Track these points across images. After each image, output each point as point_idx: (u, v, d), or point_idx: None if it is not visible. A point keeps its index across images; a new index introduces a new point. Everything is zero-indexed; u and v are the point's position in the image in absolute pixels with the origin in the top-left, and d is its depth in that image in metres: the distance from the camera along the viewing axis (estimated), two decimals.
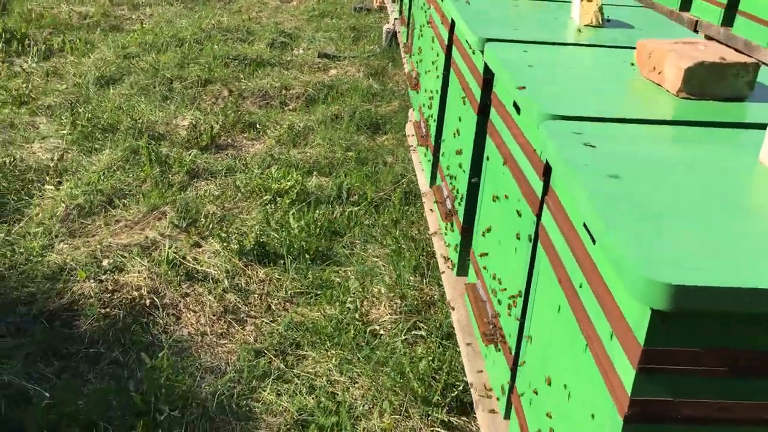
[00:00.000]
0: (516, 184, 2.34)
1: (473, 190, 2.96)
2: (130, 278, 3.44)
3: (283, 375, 3.01)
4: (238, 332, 3.26)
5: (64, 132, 4.85)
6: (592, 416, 1.56)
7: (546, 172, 2.05)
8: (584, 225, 1.63)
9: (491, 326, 2.55)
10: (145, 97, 5.57)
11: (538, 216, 2.10)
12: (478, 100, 2.86)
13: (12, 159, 4.42)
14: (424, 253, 3.75)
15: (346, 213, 4.13)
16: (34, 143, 4.72)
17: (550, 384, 1.90)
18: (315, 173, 4.58)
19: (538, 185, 2.11)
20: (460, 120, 3.20)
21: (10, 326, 3.13)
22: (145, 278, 3.44)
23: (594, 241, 1.58)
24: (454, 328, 3.05)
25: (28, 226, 3.85)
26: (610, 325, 1.48)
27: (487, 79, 2.78)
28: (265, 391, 2.92)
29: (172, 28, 7.28)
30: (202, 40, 6.93)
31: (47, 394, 2.77)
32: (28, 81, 5.70)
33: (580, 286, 1.66)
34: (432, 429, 2.75)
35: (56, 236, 3.77)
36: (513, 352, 2.32)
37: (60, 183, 4.27)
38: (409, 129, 4.86)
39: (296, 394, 2.90)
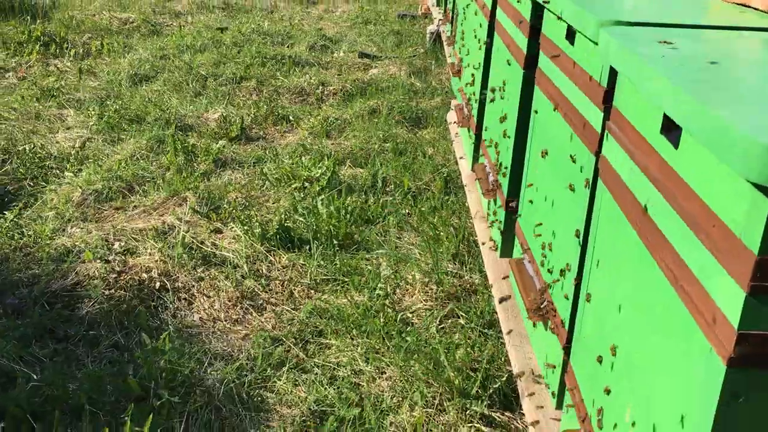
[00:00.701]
0: (569, 127, 1.98)
1: (519, 154, 2.60)
2: (141, 260, 3.14)
3: (302, 364, 2.66)
4: (255, 319, 2.92)
5: (90, 123, 4.64)
6: (678, 376, 1.16)
7: (607, 98, 1.69)
8: (663, 129, 1.27)
9: (540, 302, 2.16)
10: (177, 93, 5.35)
11: (598, 153, 1.72)
12: (525, 51, 2.52)
13: (32, 146, 4.22)
14: (465, 241, 3.37)
15: (381, 201, 3.78)
16: (58, 133, 4.52)
17: (615, 353, 1.51)
18: (348, 163, 4.26)
19: (597, 117, 1.75)
20: (504, 85, 2.85)
21: (8, 307, 2.86)
22: (156, 261, 3.14)
23: (677, 144, 1.21)
24: (496, 314, 2.66)
25: (40, 210, 3.61)
26: (703, 240, 1.09)
27: (534, 27, 2.45)
28: (280, 380, 2.57)
29: (211, 32, 7.12)
30: (241, 43, 6.74)
31: (35, 376, 2.46)
32: (60, 78, 5.55)
33: (656, 212, 1.28)
34: (470, 425, 2.35)
35: (69, 220, 3.52)
36: (567, 326, 1.92)
37: (80, 171, 4.03)
38: (451, 117, 4.52)
39: (315, 384, 2.54)
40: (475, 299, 2.96)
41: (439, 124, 4.94)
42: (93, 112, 4.78)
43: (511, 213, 2.73)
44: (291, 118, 4.99)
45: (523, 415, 2.38)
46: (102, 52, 6.46)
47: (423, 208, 3.66)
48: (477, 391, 2.43)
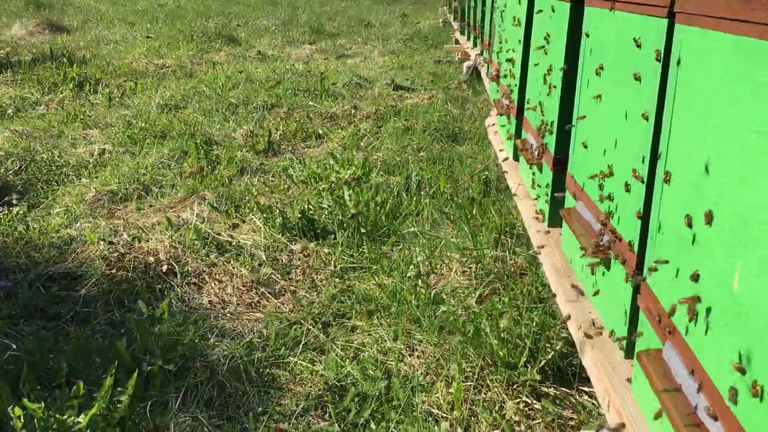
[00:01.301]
0: (630, 15, 1.66)
1: (567, 98, 2.29)
2: (149, 245, 2.85)
3: (322, 345, 2.30)
4: (271, 303, 2.58)
5: (113, 138, 4.47)
6: None
7: None
8: None
9: (599, 239, 1.79)
10: (207, 117, 5.19)
11: (671, 13, 1.41)
12: None
13: (51, 155, 4.04)
14: (507, 229, 3.01)
15: (414, 199, 3.46)
16: (79, 148, 4.34)
17: (710, 220, 1.14)
18: (381, 171, 3.97)
19: None
20: (548, 36, 2.57)
21: (1, 290, 2.57)
22: (166, 245, 2.85)
23: None
24: (545, 288, 2.29)
25: (50, 207, 3.37)
26: None
27: None
28: (295, 358, 2.21)
29: (245, 71, 7.05)
30: (274, 79, 6.62)
31: (14, 346, 2.15)
32: (90, 108, 5.45)
33: None
34: (520, 401, 1.94)
35: (79, 217, 3.27)
36: (636, 248, 1.56)
37: (97, 177, 3.82)
38: (490, 121, 4.23)
39: (335, 362, 2.17)
40: (520, 281, 2.58)
41: (478, 141, 4.65)
42: (118, 130, 4.62)
43: (560, 173, 2.39)
44: (321, 133, 4.76)
45: (583, 391, 1.97)
46: (135, 91, 6.39)
47: (460, 200, 3.32)
48: (525, 364, 2.03)
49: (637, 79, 1.60)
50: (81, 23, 11.24)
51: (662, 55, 1.46)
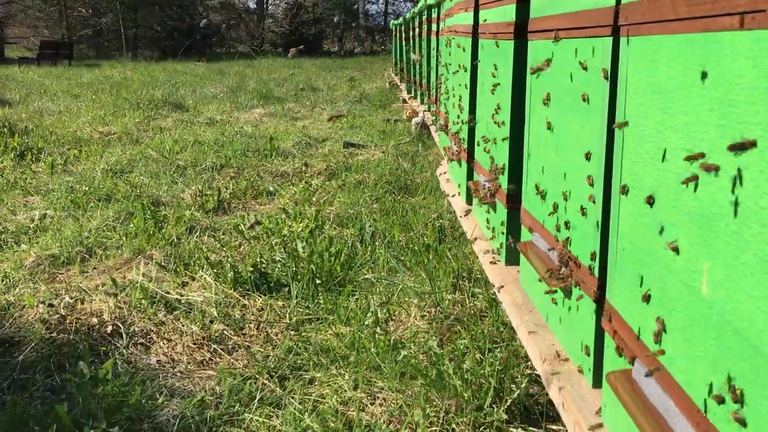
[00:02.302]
0: (574, 41, 1.67)
1: (516, 135, 2.30)
2: (92, 306, 2.71)
3: (279, 400, 2.18)
4: (224, 359, 2.46)
5: (55, 204, 4.32)
6: None
7: None
8: None
9: (559, 263, 1.76)
10: (154, 180, 5.08)
11: (615, 28, 1.41)
12: (515, 18, 2.27)
13: None
14: (465, 274, 2.96)
15: (369, 249, 3.40)
16: (19, 214, 4.19)
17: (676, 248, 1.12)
18: (334, 224, 3.91)
19: None
20: (495, 69, 2.59)
21: None
22: (110, 306, 2.71)
23: None
24: (506, 327, 2.23)
25: None
26: None
27: None
28: (250, 414, 2.08)
29: (192, 135, 6.99)
30: (224, 143, 6.57)
31: None
32: (32, 177, 5.30)
33: None
34: None
35: (18, 282, 3.11)
36: (597, 271, 1.52)
37: (38, 242, 3.66)
38: (441, 170, 4.24)
39: (293, 417, 2.05)
40: (481, 323, 2.52)
41: (430, 191, 4.65)
42: (61, 195, 4.48)
43: (514, 209, 2.38)
44: (271, 190, 4.69)
45: (551, 429, 1.90)
46: (79, 158, 6.25)
47: (416, 248, 3.27)
48: (491, 405, 1.95)
49: (586, 100, 1.59)
50: (23, 96, 11.07)
51: (609, 73, 1.46)
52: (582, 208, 1.64)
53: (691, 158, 1.01)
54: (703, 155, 0.99)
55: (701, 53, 1.01)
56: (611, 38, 1.44)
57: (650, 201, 1.20)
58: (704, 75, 0.99)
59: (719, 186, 0.96)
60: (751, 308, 0.88)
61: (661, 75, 1.16)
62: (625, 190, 1.32)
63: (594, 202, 1.56)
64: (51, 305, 2.67)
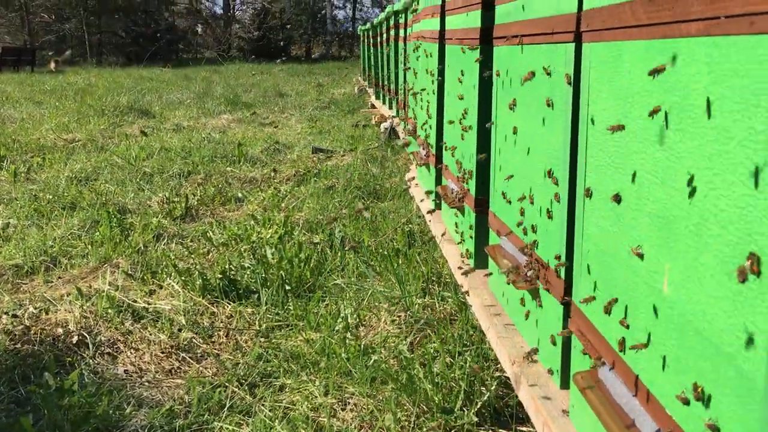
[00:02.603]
0: (538, 47, 1.70)
1: (484, 140, 2.32)
2: (57, 316, 2.67)
3: (248, 407, 2.17)
4: (193, 367, 2.44)
5: (18, 212, 4.25)
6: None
7: None
8: None
9: (525, 267, 1.78)
10: (120, 188, 5.02)
11: (578, 35, 1.44)
12: (480, 24, 2.30)
13: None
14: (434, 278, 2.98)
15: (339, 255, 3.40)
16: None
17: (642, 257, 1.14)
18: (304, 230, 3.90)
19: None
20: (461, 75, 2.61)
21: None
22: (76, 316, 2.67)
23: None
24: (476, 330, 2.25)
25: None
26: None
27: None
28: (220, 422, 2.07)
29: (159, 141, 6.92)
30: (191, 150, 6.52)
31: None
32: None
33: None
34: None
35: None
36: (564, 273, 1.54)
37: (0, 252, 3.59)
38: (410, 175, 4.25)
39: (263, 424, 2.04)
40: (451, 326, 2.53)
41: (400, 196, 4.66)
42: (24, 203, 4.40)
43: (482, 213, 2.40)
44: (240, 196, 4.67)
45: (521, 431, 1.91)
46: (43, 166, 6.15)
47: (385, 252, 3.28)
48: (461, 408, 1.96)
49: (550, 105, 1.61)
50: None
51: (572, 78, 1.48)
52: (548, 211, 1.66)
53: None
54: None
55: (660, 59, 1.03)
56: (574, 44, 1.46)
57: (613, 203, 1.22)
58: (663, 80, 1.02)
59: (678, 189, 0.98)
60: (711, 308, 0.90)
61: (622, 80, 1.18)
62: (589, 193, 1.34)
63: (559, 204, 1.58)
64: (15, 316, 2.62)
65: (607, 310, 1.26)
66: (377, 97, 9.43)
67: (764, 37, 0.75)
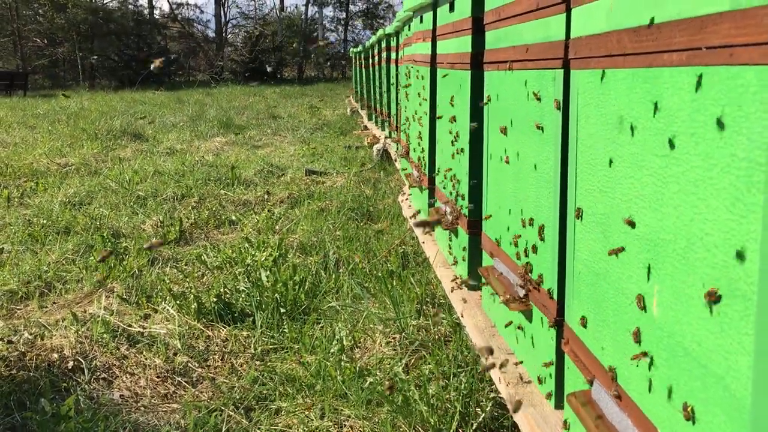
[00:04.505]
0: (527, 71, 1.73)
1: (476, 161, 2.35)
2: (52, 341, 2.67)
3: (244, 431, 2.17)
4: (188, 392, 2.44)
5: (12, 237, 4.25)
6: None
7: None
8: None
9: (520, 287, 1.80)
10: (114, 212, 5.03)
11: (566, 62, 1.47)
12: (471, 49, 2.34)
13: None
14: (428, 299, 3.00)
15: (333, 277, 3.41)
16: None
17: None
18: (297, 252, 3.91)
19: (558, 25, 1.51)
20: (452, 105, 2.65)
21: None
22: (71, 341, 2.68)
23: None
24: (471, 347, 2.26)
25: None
26: None
27: (476, 18, 2.29)
28: None
29: (153, 165, 6.94)
30: (185, 173, 6.54)
31: None
32: None
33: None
34: None
35: None
36: (556, 294, 1.57)
37: None
38: (403, 196, 4.28)
39: None
40: (445, 347, 2.55)
41: (393, 217, 4.68)
42: (17, 228, 4.40)
43: (475, 234, 2.42)
44: (234, 219, 4.68)
45: None
46: (36, 191, 6.16)
47: (380, 274, 3.29)
48: (457, 429, 1.98)
49: (540, 129, 1.65)
50: None
51: (561, 104, 1.51)
52: (539, 233, 1.69)
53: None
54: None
55: (646, 87, 1.06)
56: (562, 70, 1.49)
57: (603, 225, 1.25)
58: (648, 107, 1.05)
59: (665, 213, 1.01)
60: (699, 329, 0.93)
61: (609, 106, 1.21)
62: (579, 215, 1.37)
63: (550, 226, 1.61)
64: (10, 342, 2.62)
65: (599, 331, 1.28)
66: (369, 119, 9.49)
67: (743, 68, 0.78)
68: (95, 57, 27.76)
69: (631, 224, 1.13)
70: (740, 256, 0.82)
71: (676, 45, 0.94)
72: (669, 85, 0.99)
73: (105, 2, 31.00)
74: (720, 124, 0.85)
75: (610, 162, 1.21)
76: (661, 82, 1.01)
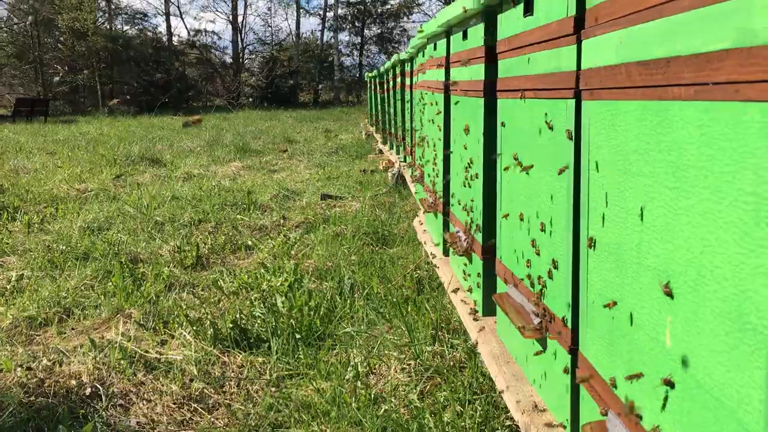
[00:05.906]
0: (539, 100, 1.75)
1: (489, 189, 2.36)
2: (71, 368, 2.70)
3: None
4: (204, 418, 2.45)
5: (32, 263, 4.30)
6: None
7: (577, 25, 1.49)
8: None
9: (534, 315, 1.80)
10: (132, 237, 5.08)
11: (577, 92, 1.49)
12: (483, 77, 2.36)
13: None
14: (443, 325, 2.99)
15: (348, 302, 3.42)
16: None
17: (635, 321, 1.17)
18: (313, 277, 3.93)
19: (569, 55, 1.53)
20: (466, 131, 2.67)
21: None
22: (89, 367, 2.70)
23: None
24: (486, 374, 2.26)
25: None
26: None
27: (489, 47, 2.32)
28: None
29: (170, 190, 7.01)
30: (202, 198, 6.60)
31: None
32: (8, 236, 5.27)
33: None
34: None
35: None
36: (570, 323, 1.57)
37: (14, 304, 3.64)
38: (418, 221, 4.30)
39: None
40: (460, 374, 2.54)
41: (408, 242, 4.69)
42: (38, 254, 4.46)
43: (489, 260, 2.43)
44: (250, 244, 4.71)
45: None
46: (56, 216, 6.24)
47: (395, 299, 3.30)
48: None
49: (552, 158, 1.66)
50: None
51: (573, 134, 1.53)
52: (554, 261, 1.69)
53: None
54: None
55: (656, 119, 1.07)
56: (574, 100, 1.51)
57: (615, 255, 1.26)
58: (658, 140, 1.06)
59: (676, 245, 1.02)
60: (711, 362, 0.93)
61: (620, 137, 1.23)
62: (592, 244, 1.37)
63: (564, 254, 1.62)
64: (29, 368, 2.65)
65: (613, 361, 1.28)
66: (384, 143, 9.55)
67: (749, 104, 0.80)
68: (110, 84, 28.16)
69: (643, 255, 1.13)
70: (750, 289, 0.82)
71: (685, 80, 0.95)
72: (678, 118, 1.00)
73: (125, 30, 31.55)
74: (727, 158, 0.86)
75: (622, 192, 1.22)
76: (671, 115, 1.02)
